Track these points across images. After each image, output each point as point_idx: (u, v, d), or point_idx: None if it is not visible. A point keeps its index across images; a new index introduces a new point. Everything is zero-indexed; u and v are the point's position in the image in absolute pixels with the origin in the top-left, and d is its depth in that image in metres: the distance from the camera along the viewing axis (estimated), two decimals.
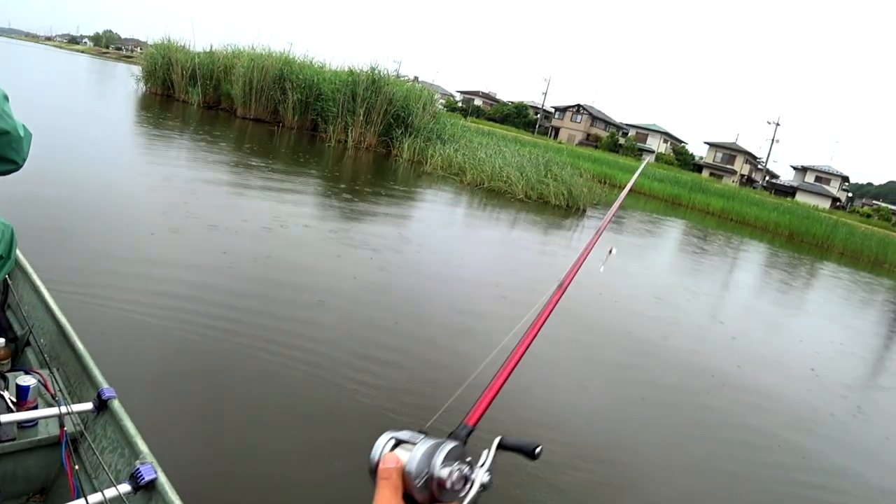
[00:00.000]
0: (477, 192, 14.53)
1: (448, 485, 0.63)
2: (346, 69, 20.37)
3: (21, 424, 1.95)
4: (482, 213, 12.37)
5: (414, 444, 0.66)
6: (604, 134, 73.96)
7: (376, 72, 19.06)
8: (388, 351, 4.45)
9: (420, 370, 4.28)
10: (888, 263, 24.44)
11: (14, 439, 1.91)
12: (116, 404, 1.95)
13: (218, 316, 4.35)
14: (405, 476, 0.63)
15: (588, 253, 1.20)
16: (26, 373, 2.23)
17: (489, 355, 0.99)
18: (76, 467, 1.85)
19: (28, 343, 2.61)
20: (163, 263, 5.22)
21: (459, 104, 77.37)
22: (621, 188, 19.00)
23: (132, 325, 3.91)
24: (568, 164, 17.68)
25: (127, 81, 29.33)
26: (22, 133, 1.81)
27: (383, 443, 0.68)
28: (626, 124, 78.22)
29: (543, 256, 9.28)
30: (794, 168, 73.32)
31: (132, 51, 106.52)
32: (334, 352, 4.22)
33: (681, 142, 77.65)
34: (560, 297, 1.04)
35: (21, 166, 1.89)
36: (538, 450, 0.72)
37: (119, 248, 5.37)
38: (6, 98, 1.78)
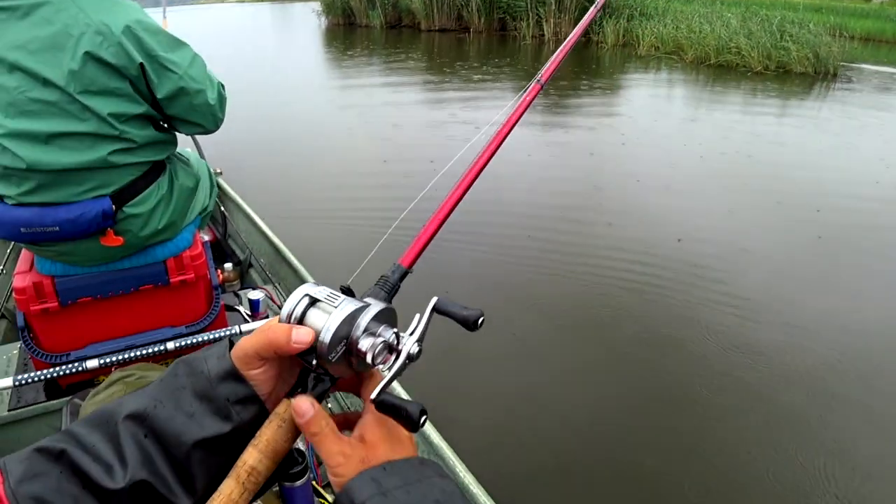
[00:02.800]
0: (703, 70, 12.60)
1: (369, 357, 0.55)
2: None
3: None
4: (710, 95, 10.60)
5: (333, 305, 0.56)
6: None
7: None
8: None
9: None
10: None
11: None
12: None
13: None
14: (318, 347, 0.54)
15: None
16: (254, 289, 2.57)
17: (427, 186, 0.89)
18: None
19: (251, 265, 3.02)
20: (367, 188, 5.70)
21: None
22: (864, 39, 15.93)
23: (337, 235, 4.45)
24: (808, 21, 14.77)
25: (308, 19, 29.78)
26: (214, 101, 1.87)
27: (296, 301, 0.57)
28: None
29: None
30: None
31: None
32: None
33: None
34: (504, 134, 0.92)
35: (214, 130, 1.97)
36: (481, 320, 0.62)
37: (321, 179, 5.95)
38: (204, 65, 1.86)
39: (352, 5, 23.51)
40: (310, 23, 27.38)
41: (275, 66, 14.16)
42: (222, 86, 1.95)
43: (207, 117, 1.88)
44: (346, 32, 22.42)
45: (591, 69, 12.88)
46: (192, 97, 1.79)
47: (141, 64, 1.67)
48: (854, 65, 14.27)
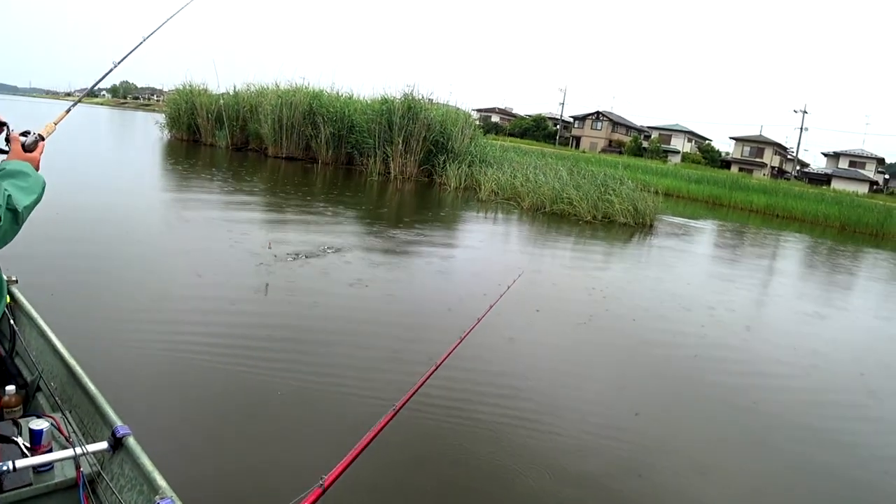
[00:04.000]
0: (539, 217, 13.48)
1: None
2: (379, 97, 19.54)
3: (37, 469, 1.95)
4: (558, 240, 11.31)
5: None
6: (626, 139, 72.76)
7: (411, 97, 18.16)
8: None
9: None
10: None
11: (30, 484, 1.91)
12: (132, 441, 1.94)
13: (232, 349, 4.33)
14: None
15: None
16: (38, 417, 2.23)
17: None
18: None
19: (39, 388, 2.65)
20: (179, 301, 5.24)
21: (477, 122, 76.36)
22: (664, 194, 18.16)
23: (142, 362, 3.94)
24: (624, 177, 16.53)
25: (150, 129, 28.88)
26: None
27: None
28: (648, 127, 76.92)
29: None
30: (826, 155, 71.35)
31: (149, 99, 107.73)
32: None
33: (705, 139, 76.22)
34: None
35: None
36: None
37: (138, 294, 5.31)
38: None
39: (198, 122, 23.18)
40: (151, 134, 26.55)
41: (107, 171, 13.40)
42: (14, 211, 1.64)
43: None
44: (189, 148, 21.89)
45: (435, 210, 13.33)
46: None
47: None
48: (662, 216, 16.04)
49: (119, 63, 2.66)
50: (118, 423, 2.03)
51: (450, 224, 11.64)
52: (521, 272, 5.48)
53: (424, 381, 2.25)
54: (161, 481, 1.77)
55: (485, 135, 23.25)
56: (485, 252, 9.37)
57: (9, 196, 1.63)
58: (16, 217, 1.64)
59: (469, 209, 13.94)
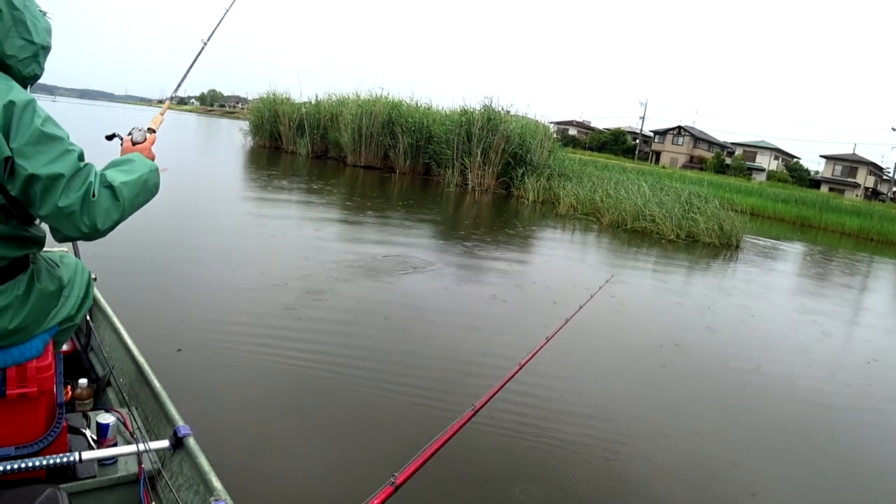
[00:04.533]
0: (619, 234, 13.07)
1: None
2: (458, 109, 19.53)
3: (101, 462, 2.01)
4: (643, 258, 10.90)
5: None
6: (708, 155, 70.64)
7: (491, 109, 18.04)
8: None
9: None
10: None
11: (94, 476, 1.96)
12: (192, 442, 1.98)
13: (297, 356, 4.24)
14: None
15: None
16: (106, 411, 2.27)
17: None
18: (153, 503, 1.89)
19: (109, 383, 2.71)
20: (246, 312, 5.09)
21: (554, 135, 75.66)
22: (749, 213, 17.26)
23: (206, 362, 3.93)
24: (711, 195, 15.89)
25: (233, 135, 29.84)
26: (72, 207, 1.58)
27: None
28: (732, 143, 74.46)
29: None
30: None
31: (234, 107, 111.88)
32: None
33: (793, 157, 73.15)
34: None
35: (84, 238, 1.68)
36: None
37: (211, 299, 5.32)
38: (71, 164, 1.60)
39: (280, 130, 23.78)
40: (235, 140, 27.44)
41: (193, 172, 13.81)
42: (110, 187, 1.67)
43: (65, 224, 1.62)
44: (271, 155, 22.46)
45: (511, 223, 13.13)
46: (43, 199, 1.58)
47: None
48: (749, 237, 15.31)
49: (208, 41, 2.71)
50: (180, 422, 2.10)
51: (527, 238, 11.40)
52: (610, 277, 5.24)
53: (505, 384, 2.20)
54: (217, 483, 1.81)
55: (562, 148, 22.90)
56: (565, 264, 9.10)
57: (102, 174, 1.68)
58: (114, 193, 1.67)
59: (547, 224, 13.66)
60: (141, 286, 5.22)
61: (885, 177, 69.51)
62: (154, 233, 7.24)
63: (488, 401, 2.03)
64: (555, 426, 3.74)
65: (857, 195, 59.85)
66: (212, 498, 1.76)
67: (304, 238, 8.37)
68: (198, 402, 3.29)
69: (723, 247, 13.32)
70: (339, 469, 3.03)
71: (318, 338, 4.68)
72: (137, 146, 1.93)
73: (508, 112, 18.87)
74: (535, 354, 2.52)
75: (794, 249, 17.03)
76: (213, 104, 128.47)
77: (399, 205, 13.23)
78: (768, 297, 9.12)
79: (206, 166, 17.76)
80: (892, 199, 64.22)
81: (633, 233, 13.36)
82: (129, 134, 1.96)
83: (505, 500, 2.99)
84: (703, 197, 15.26)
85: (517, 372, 2.32)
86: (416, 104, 21.23)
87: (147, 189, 1.80)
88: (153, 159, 1.92)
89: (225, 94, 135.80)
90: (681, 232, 13.35)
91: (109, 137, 2.03)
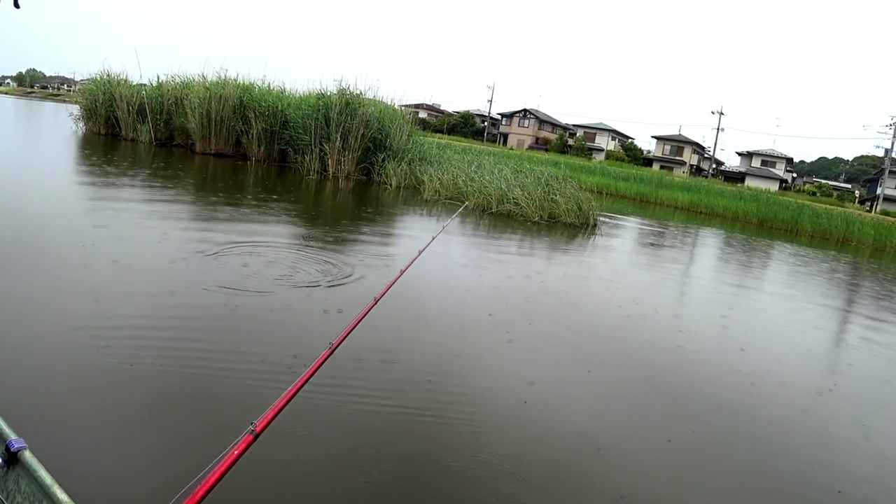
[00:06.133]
0: (485, 217, 13.21)
1: None
2: (314, 92, 18.85)
3: None
4: (514, 242, 11.05)
5: None
6: (552, 136, 73.94)
7: (349, 93, 17.57)
8: None
9: None
10: (854, 241, 24.69)
11: None
12: (28, 455, 1.78)
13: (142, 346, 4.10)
14: None
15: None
16: None
17: None
18: None
19: None
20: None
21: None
22: (594, 191, 18.35)
23: (35, 370, 3.60)
24: (564, 176, 16.51)
25: (61, 120, 27.12)
26: None
27: None
28: (574, 125, 78.36)
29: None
30: (740, 154, 74.69)
31: (58, 88, 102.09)
32: None
33: (628, 137, 78.25)
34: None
35: None
36: None
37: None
38: None
39: (118, 115, 21.80)
40: (64, 126, 24.84)
41: (11, 165, 12.29)
42: None
43: None
44: (108, 143, 20.55)
45: (378, 208, 12.88)
46: None
47: None
48: (601, 214, 16.17)
49: None
50: (12, 436, 1.89)
51: (398, 222, 11.21)
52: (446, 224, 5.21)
53: (360, 320, 2.17)
54: (62, 495, 1.67)
55: (419, 132, 22.86)
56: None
57: None
58: None
59: (414, 208, 13.56)
60: None
61: (706, 155, 76.28)
62: None
63: (344, 338, 1.99)
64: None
65: (683, 172, 65.24)
66: None
67: (143, 231, 7.65)
68: (28, 414, 3.06)
69: (582, 226, 13.89)
70: (193, 439, 3.05)
71: (147, 331, 4.43)
72: None
73: (365, 95, 18.51)
74: (388, 289, 2.54)
75: (645, 225, 18.16)
76: (33, 85, 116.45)
77: (260, 195, 12.53)
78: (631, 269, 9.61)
79: (31, 156, 15.87)
80: (712, 174, 70.65)
81: (499, 216, 13.58)
82: None
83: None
84: (561, 179, 15.81)
85: (372, 307, 2.30)
86: (269, 87, 20.27)
87: None
88: None
89: (47, 73, 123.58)
90: (543, 213, 13.75)
91: None
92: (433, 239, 3.42)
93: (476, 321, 5.80)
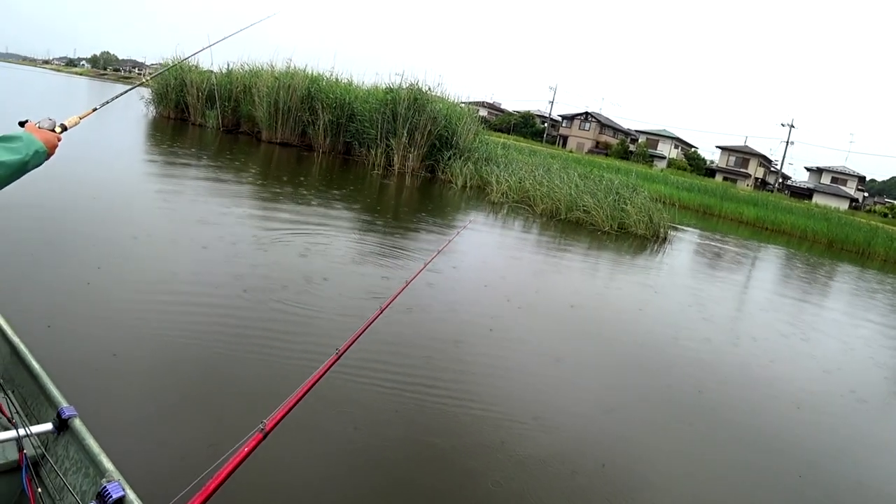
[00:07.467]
0: (552, 224, 12.77)
1: None
2: (381, 86, 18.69)
3: None
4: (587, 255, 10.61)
5: None
6: (613, 141, 72.59)
7: (417, 88, 17.31)
8: None
9: None
10: None
11: None
12: (78, 423, 1.87)
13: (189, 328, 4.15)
14: None
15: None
16: None
17: None
18: (38, 490, 1.80)
19: None
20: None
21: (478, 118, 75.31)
22: (656, 199, 17.66)
23: (88, 340, 3.69)
24: (634, 185, 15.91)
25: (133, 103, 27.65)
26: None
27: None
28: (636, 131, 76.79)
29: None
30: (809, 169, 71.94)
31: (130, 71, 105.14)
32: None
33: (691, 146, 76.32)
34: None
35: None
36: None
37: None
38: None
39: (187, 100, 22.08)
40: (134, 109, 25.30)
41: (83, 146, 12.34)
42: None
43: None
44: (176, 127, 20.78)
45: (444, 210, 12.59)
46: None
47: None
48: (679, 229, 15.52)
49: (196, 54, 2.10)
50: (63, 403, 1.95)
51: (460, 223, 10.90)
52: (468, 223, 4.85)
53: (367, 327, 2.19)
54: (108, 464, 1.71)
55: (484, 131, 22.49)
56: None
57: None
58: None
59: (482, 209, 13.21)
60: (15, 264, 4.77)
61: (772, 168, 73.82)
62: (34, 209, 6.29)
63: (351, 344, 2.02)
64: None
65: (747, 184, 63.20)
66: (103, 480, 1.64)
67: (205, 213, 7.53)
68: (80, 383, 3.11)
69: (652, 238, 13.33)
70: (216, 426, 3.08)
71: (199, 309, 4.55)
72: (35, 129, 1.77)
73: (433, 92, 18.24)
74: (394, 298, 2.57)
75: (709, 240, 17.43)
76: (106, 68, 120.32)
77: (327, 188, 12.36)
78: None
79: (101, 137, 16.08)
80: (778, 189, 68.36)
81: (568, 223, 13.12)
82: (39, 122, 1.82)
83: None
84: (631, 187, 15.25)
85: (378, 316, 2.32)
86: (337, 79, 20.19)
87: (25, 170, 1.67)
88: (51, 144, 1.78)
89: (120, 56, 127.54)
90: (613, 223, 13.24)
91: (21, 124, 1.84)
92: (449, 242, 3.44)
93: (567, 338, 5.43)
